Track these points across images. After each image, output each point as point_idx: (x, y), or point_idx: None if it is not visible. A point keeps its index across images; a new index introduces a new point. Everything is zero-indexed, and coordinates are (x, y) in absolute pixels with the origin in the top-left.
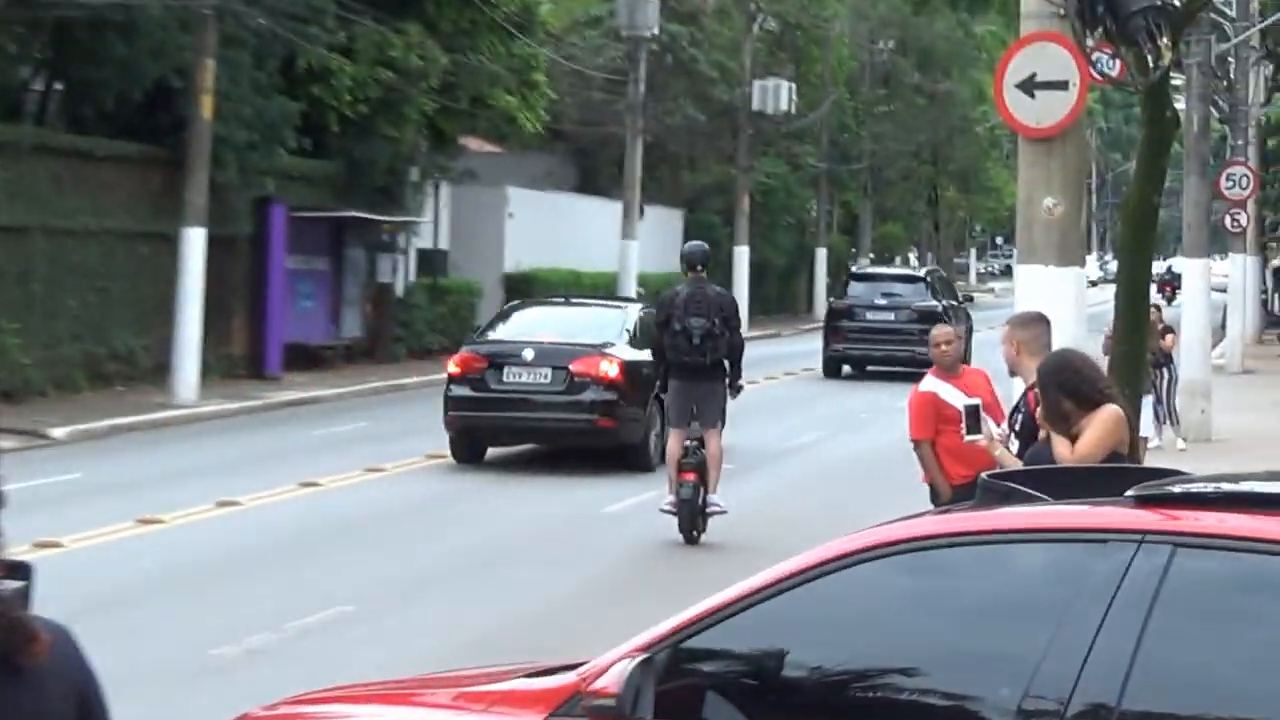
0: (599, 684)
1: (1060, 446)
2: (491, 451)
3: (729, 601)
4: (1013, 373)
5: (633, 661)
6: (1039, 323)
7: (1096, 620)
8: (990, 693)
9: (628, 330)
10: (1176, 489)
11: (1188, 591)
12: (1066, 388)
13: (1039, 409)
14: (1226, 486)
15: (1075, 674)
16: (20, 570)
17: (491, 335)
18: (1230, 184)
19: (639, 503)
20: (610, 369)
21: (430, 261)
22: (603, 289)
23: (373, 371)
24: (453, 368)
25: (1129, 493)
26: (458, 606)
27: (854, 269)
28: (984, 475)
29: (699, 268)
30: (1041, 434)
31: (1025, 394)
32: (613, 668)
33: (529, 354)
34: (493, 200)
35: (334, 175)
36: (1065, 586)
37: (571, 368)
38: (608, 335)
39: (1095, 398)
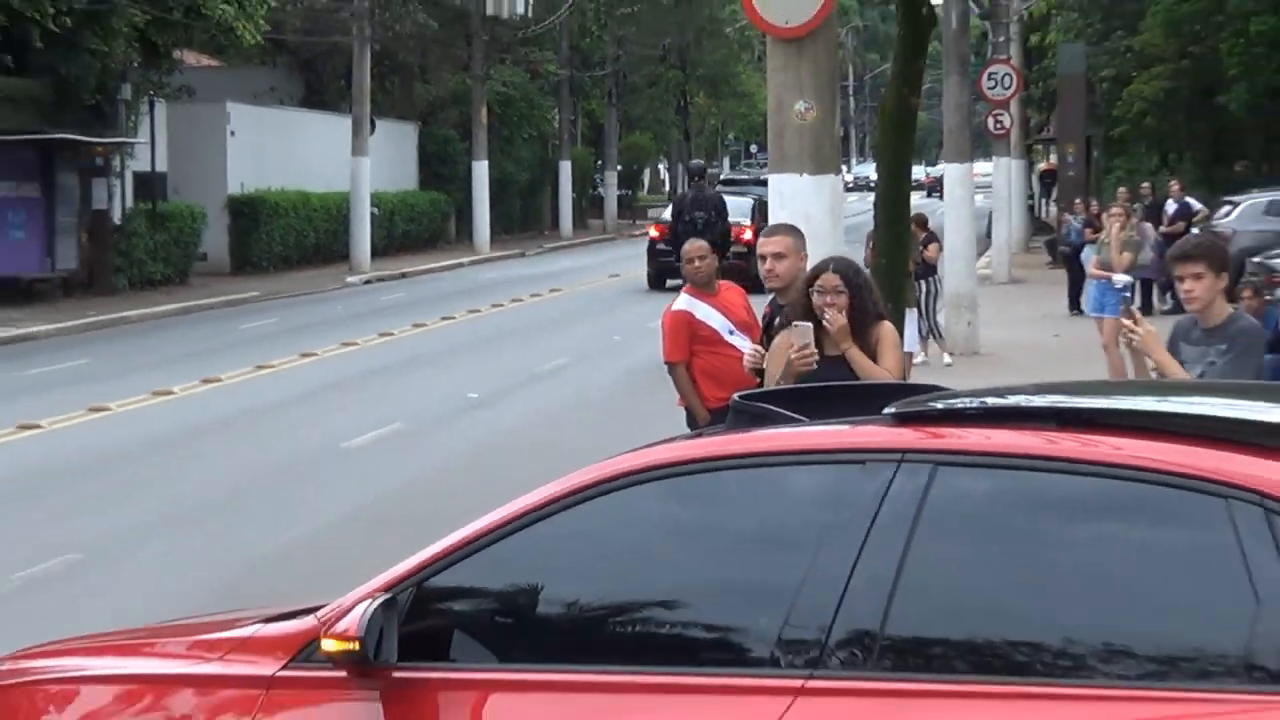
0: (339, 627)
1: (870, 366)
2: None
3: (475, 535)
4: (778, 285)
5: (374, 602)
6: (798, 235)
7: (857, 544)
8: (751, 623)
9: (753, 209)
10: (938, 405)
11: (951, 511)
12: (869, 291)
13: (834, 301)
14: (991, 401)
15: (836, 601)
16: None
17: (666, 214)
18: (992, 84)
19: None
20: (746, 234)
21: (148, 186)
22: (334, 208)
23: (92, 305)
24: (653, 233)
25: (887, 410)
26: (189, 552)
27: (723, 175)
28: (736, 396)
29: (698, 178)
30: (791, 349)
31: (791, 305)
32: (353, 610)
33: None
34: (212, 118)
35: (40, 94)
36: (824, 510)
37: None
38: (742, 213)
39: (879, 313)
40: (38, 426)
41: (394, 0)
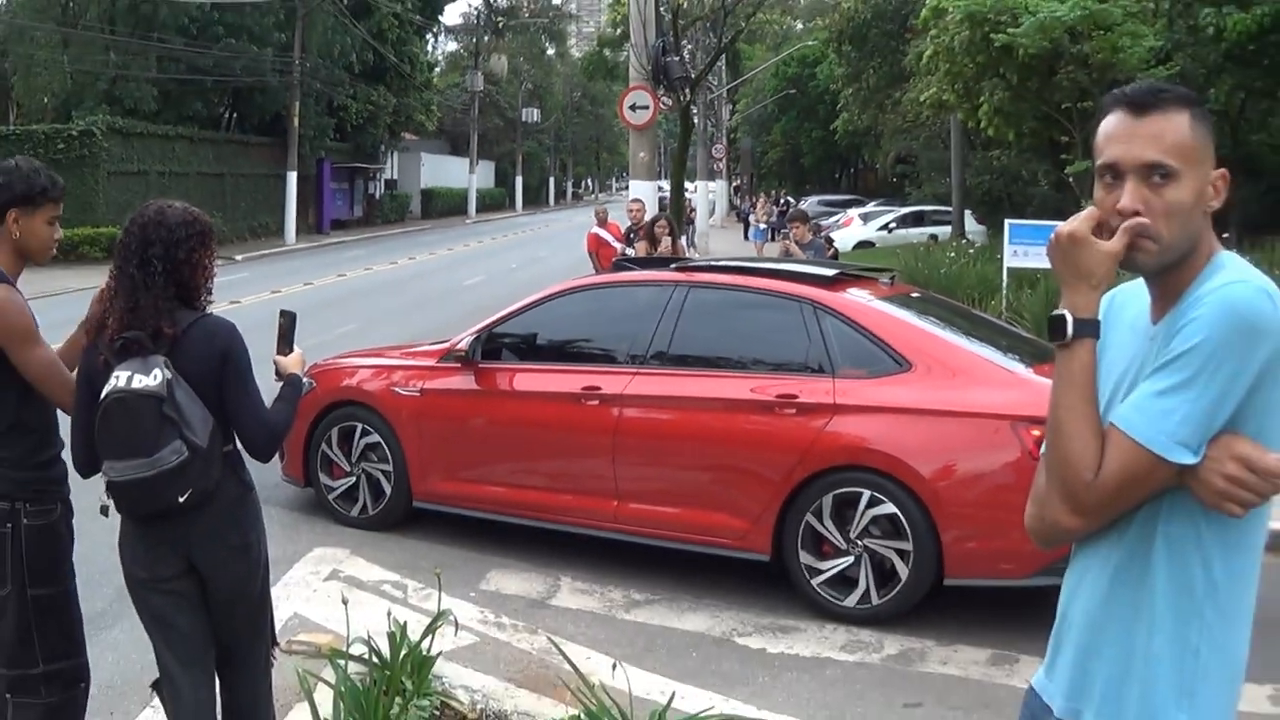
0: (459, 346)
1: (674, 253)
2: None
3: (515, 310)
4: (635, 221)
5: (472, 336)
6: (642, 203)
7: (658, 318)
8: (622, 345)
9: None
10: (690, 264)
11: (695, 307)
12: (676, 229)
13: (665, 231)
14: (710, 262)
15: (650, 339)
16: (288, 315)
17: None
18: (717, 153)
19: None
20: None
21: (390, 185)
22: (461, 194)
23: (368, 230)
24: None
25: (672, 266)
26: (404, 325)
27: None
28: (614, 260)
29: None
30: (640, 247)
31: (639, 229)
32: (463, 340)
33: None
34: (415, 159)
35: (350, 149)
36: (647, 305)
37: None
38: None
39: (676, 237)
40: (344, 275)
41: (487, 114)
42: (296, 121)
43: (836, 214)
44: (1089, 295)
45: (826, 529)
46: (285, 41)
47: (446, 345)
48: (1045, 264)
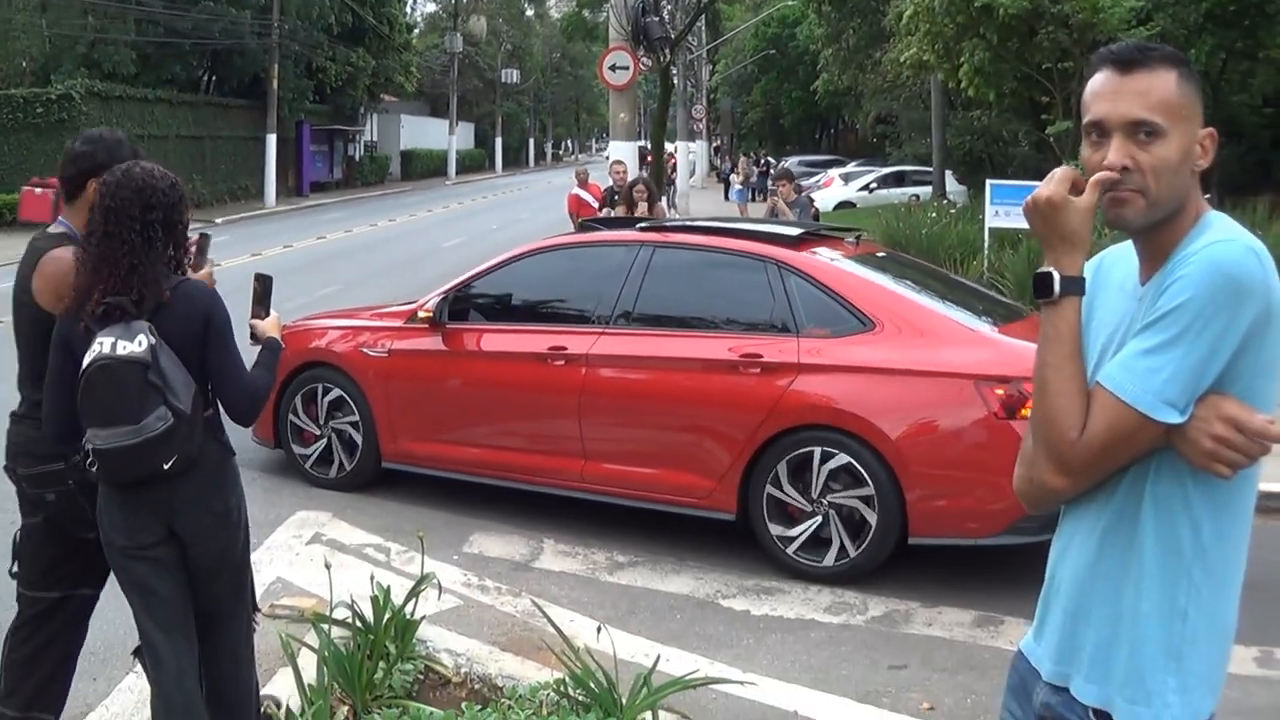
0: (426, 307)
1: (652, 214)
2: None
3: (482, 271)
4: (618, 183)
5: (440, 297)
6: (624, 164)
7: (624, 277)
8: (589, 305)
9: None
10: (667, 223)
11: (660, 267)
12: (655, 190)
13: (642, 195)
14: (679, 223)
15: (616, 298)
16: (264, 278)
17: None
18: (697, 114)
19: None
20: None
21: (369, 147)
22: (441, 156)
23: (348, 192)
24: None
25: (639, 226)
26: (383, 285)
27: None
28: (581, 220)
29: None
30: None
31: (624, 189)
32: (430, 300)
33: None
34: (394, 121)
35: (329, 111)
36: (615, 264)
37: None
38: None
39: (656, 198)
40: (324, 237)
41: (465, 75)
42: (275, 84)
43: (817, 174)
44: (1073, 255)
45: (789, 491)
46: (264, 3)
47: (415, 306)
48: (1027, 224)
